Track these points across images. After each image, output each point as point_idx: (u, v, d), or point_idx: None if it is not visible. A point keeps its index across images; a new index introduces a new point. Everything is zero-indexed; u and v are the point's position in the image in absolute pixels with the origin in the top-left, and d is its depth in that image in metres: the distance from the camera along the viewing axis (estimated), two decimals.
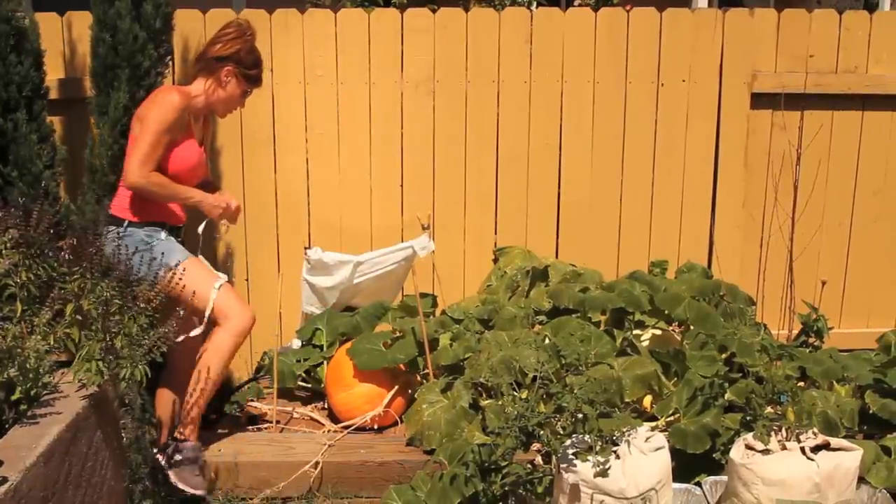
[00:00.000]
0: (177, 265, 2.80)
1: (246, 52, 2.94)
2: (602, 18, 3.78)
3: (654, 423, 2.90)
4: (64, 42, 3.61)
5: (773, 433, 2.50)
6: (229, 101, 3.01)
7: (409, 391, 3.26)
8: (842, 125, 3.91)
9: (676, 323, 3.43)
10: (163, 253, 2.82)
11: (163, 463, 2.80)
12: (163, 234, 2.88)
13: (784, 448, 2.47)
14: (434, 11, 3.75)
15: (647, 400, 3.08)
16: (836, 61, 3.85)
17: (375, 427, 3.17)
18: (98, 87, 3.22)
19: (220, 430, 3.21)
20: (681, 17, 3.81)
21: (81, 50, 3.55)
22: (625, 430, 2.44)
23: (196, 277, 2.83)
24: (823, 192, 3.94)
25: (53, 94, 3.43)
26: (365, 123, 3.79)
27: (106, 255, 2.53)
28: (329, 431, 3.17)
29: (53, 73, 3.52)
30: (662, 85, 3.84)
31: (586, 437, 2.42)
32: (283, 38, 3.70)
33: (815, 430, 2.56)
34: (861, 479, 2.57)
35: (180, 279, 2.75)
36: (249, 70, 2.97)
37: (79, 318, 2.28)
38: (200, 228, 3.08)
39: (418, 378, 3.32)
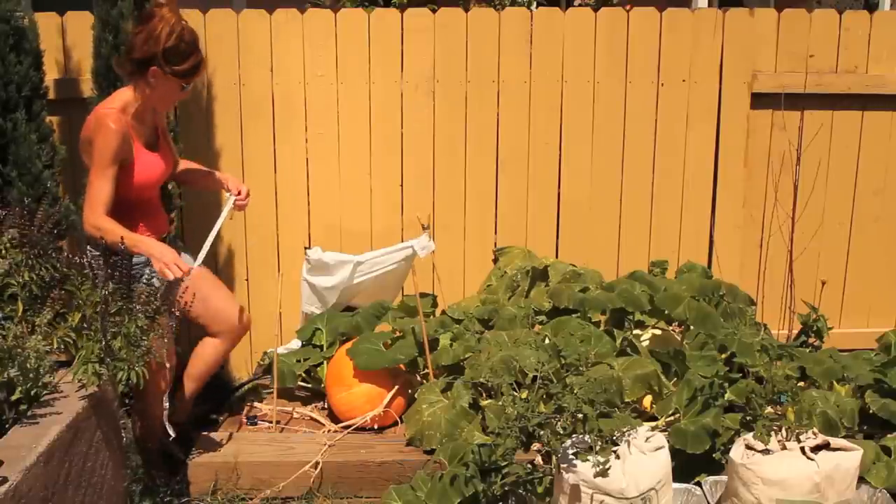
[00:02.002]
0: None
1: (167, 51, 2.65)
2: (602, 18, 3.78)
3: (654, 423, 2.90)
4: (63, 42, 3.60)
5: (773, 433, 2.51)
6: (165, 98, 2.79)
7: (409, 391, 3.26)
8: (842, 125, 3.91)
9: (676, 323, 3.43)
10: None
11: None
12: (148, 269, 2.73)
13: (784, 448, 2.47)
14: (434, 11, 3.75)
15: (647, 400, 3.08)
16: (836, 61, 3.85)
17: (375, 427, 3.16)
18: (100, 87, 3.22)
19: (220, 430, 3.21)
20: (681, 17, 3.81)
21: (81, 50, 3.55)
22: (625, 430, 2.44)
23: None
24: (823, 192, 3.94)
25: (52, 95, 3.43)
26: (365, 123, 3.79)
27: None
28: (329, 431, 3.17)
29: (52, 73, 3.52)
30: (662, 85, 3.84)
31: (586, 437, 2.42)
32: (283, 38, 3.70)
33: (815, 430, 2.56)
34: (861, 479, 2.57)
35: None
36: (177, 67, 2.69)
37: (84, 325, 2.28)
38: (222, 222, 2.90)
39: (418, 378, 3.32)
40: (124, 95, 2.75)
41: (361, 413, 3.15)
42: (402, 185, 3.85)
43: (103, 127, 2.64)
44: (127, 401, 2.73)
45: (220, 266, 3.84)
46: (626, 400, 2.91)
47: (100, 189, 2.65)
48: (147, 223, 2.86)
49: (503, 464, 2.57)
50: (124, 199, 2.74)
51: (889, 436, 2.84)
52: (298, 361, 3.42)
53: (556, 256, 3.89)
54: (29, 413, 2.07)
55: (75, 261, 2.40)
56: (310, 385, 3.52)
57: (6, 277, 2.31)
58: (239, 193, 3.03)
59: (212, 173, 3.14)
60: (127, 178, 2.73)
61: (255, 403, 3.44)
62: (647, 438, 2.44)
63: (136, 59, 2.69)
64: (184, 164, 3.14)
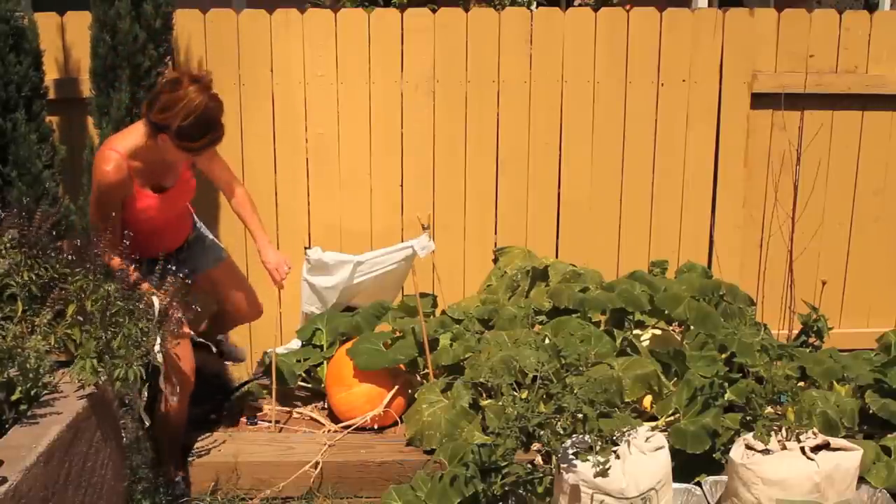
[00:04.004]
0: None
1: (180, 129, 2.58)
2: (602, 18, 3.78)
3: (654, 423, 2.90)
4: (63, 42, 3.60)
5: (773, 433, 2.51)
6: (175, 160, 2.75)
7: (409, 391, 3.26)
8: (842, 125, 3.91)
9: (676, 323, 3.43)
10: None
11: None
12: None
13: (784, 448, 2.47)
14: (434, 11, 3.75)
15: (647, 400, 3.08)
16: (836, 61, 3.85)
17: (375, 427, 3.16)
18: (98, 88, 3.22)
19: (220, 430, 3.21)
20: (681, 17, 3.81)
21: (81, 50, 3.55)
22: (625, 430, 2.44)
23: None
24: (823, 192, 3.94)
25: (52, 94, 3.43)
26: (365, 123, 3.79)
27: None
28: (329, 431, 3.17)
29: (52, 73, 3.52)
30: (662, 85, 3.84)
31: (586, 437, 2.42)
32: (283, 38, 3.70)
33: (815, 430, 2.56)
34: (861, 479, 2.57)
35: None
36: (188, 143, 2.63)
37: (79, 318, 2.28)
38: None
39: (418, 378, 3.32)
40: (138, 132, 2.70)
41: (361, 413, 3.15)
42: (402, 185, 3.85)
43: (101, 168, 2.66)
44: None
45: None
46: (626, 400, 2.91)
47: (99, 219, 2.66)
48: (139, 245, 2.74)
49: (503, 464, 2.56)
50: (126, 221, 2.75)
51: (889, 436, 2.84)
52: (298, 361, 3.42)
53: (556, 256, 3.89)
54: (29, 413, 2.06)
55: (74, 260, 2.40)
56: (310, 385, 3.52)
57: (5, 278, 2.30)
58: (276, 275, 3.10)
59: (255, 238, 3.14)
60: (124, 209, 2.74)
61: (255, 403, 3.44)
62: (647, 438, 2.44)
63: (151, 119, 2.63)
64: (244, 207, 3.12)
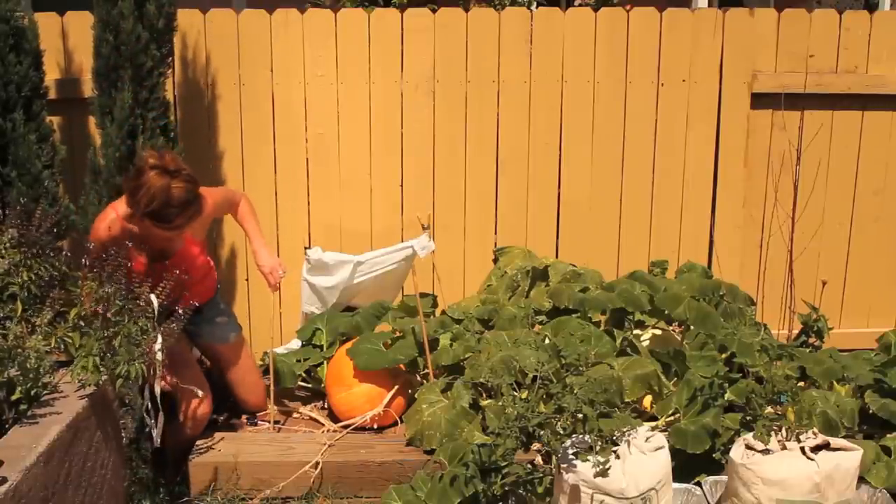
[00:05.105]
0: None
1: (146, 215, 2.60)
2: (602, 18, 3.78)
3: (654, 423, 2.90)
4: (64, 42, 3.61)
5: (773, 433, 2.51)
6: (164, 236, 2.74)
7: (409, 391, 3.26)
8: (842, 125, 3.91)
9: (676, 323, 3.43)
10: None
11: None
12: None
13: (784, 448, 2.47)
14: (434, 11, 3.75)
15: (647, 400, 3.08)
16: (836, 61, 3.85)
17: (375, 427, 3.16)
18: (101, 88, 3.22)
19: (220, 430, 3.21)
20: (681, 17, 3.81)
21: (82, 50, 3.55)
22: (625, 430, 2.44)
23: None
24: (823, 192, 3.94)
25: (53, 94, 3.43)
26: (365, 123, 3.79)
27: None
28: (329, 431, 3.17)
29: (53, 73, 3.52)
30: (662, 85, 3.84)
31: (586, 437, 2.42)
32: (283, 38, 3.70)
33: (815, 430, 2.56)
34: (861, 479, 2.57)
35: None
36: (159, 223, 2.63)
37: (81, 323, 2.28)
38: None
39: (418, 378, 3.32)
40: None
41: (361, 413, 3.15)
42: (402, 185, 3.85)
43: (94, 226, 2.74)
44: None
45: (221, 266, 3.84)
46: (626, 400, 2.91)
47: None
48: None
49: (503, 464, 2.56)
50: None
51: (889, 436, 2.84)
52: (298, 361, 3.42)
53: (556, 256, 3.89)
54: (29, 413, 2.07)
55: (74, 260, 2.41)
56: (310, 385, 3.52)
57: (6, 277, 2.31)
58: (271, 279, 3.10)
59: (251, 241, 3.15)
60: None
61: None
62: (647, 438, 2.44)
63: (124, 198, 2.65)
64: (244, 217, 3.14)
